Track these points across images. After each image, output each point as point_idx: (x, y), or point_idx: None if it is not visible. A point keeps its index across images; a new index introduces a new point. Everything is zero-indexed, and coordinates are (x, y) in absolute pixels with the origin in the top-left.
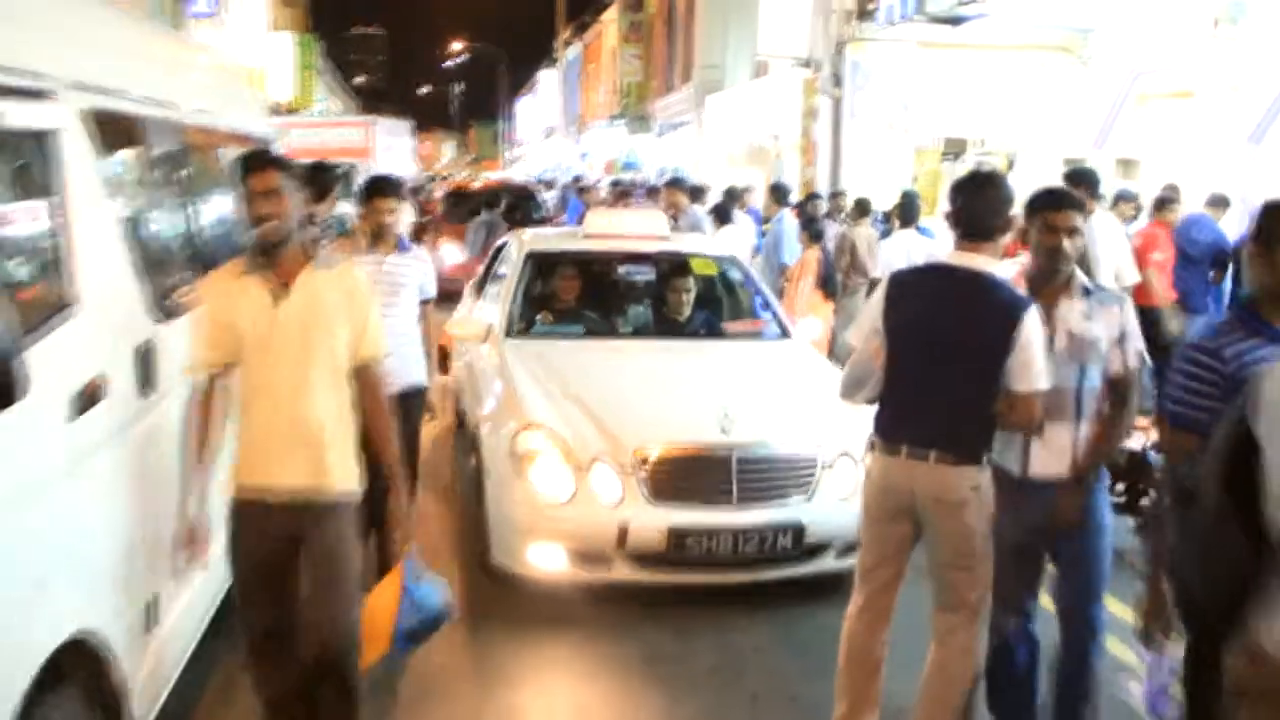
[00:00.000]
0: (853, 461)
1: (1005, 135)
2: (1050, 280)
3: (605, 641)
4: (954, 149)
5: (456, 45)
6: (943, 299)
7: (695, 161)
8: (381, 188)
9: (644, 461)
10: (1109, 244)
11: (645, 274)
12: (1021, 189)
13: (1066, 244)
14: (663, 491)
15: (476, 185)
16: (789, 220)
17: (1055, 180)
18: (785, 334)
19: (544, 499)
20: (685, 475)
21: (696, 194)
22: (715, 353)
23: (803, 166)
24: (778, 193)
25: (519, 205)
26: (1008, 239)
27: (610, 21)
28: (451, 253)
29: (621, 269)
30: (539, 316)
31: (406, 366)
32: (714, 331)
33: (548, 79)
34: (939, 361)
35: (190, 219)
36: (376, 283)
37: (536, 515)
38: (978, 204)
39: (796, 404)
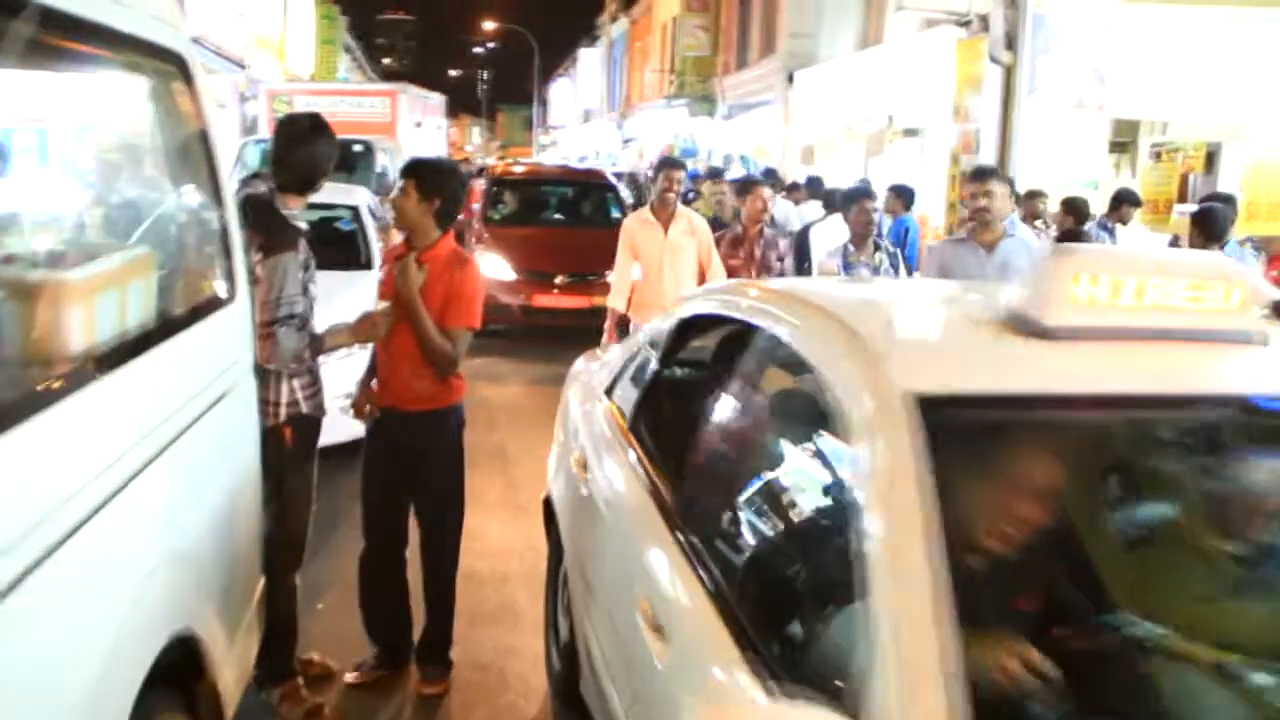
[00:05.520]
0: None
1: (1206, 119)
2: None
3: None
4: (1124, 135)
5: (488, 25)
6: None
7: (779, 148)
8: None
9: None
10: None
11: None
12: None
13: None
14: None
15: (518, 170)
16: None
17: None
18: None
19: None
20: None
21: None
22: None
23: (957, 155)
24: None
25: (588, 199)
26: None
27: None
28: (496, 266)
29: None
30: None
31: None
32: None
33: (588, 58)
34: None
35: None
36: None
37: None
38: None
39: None
